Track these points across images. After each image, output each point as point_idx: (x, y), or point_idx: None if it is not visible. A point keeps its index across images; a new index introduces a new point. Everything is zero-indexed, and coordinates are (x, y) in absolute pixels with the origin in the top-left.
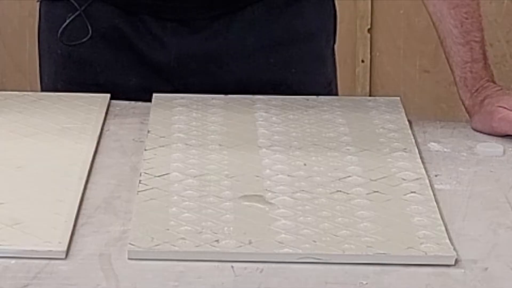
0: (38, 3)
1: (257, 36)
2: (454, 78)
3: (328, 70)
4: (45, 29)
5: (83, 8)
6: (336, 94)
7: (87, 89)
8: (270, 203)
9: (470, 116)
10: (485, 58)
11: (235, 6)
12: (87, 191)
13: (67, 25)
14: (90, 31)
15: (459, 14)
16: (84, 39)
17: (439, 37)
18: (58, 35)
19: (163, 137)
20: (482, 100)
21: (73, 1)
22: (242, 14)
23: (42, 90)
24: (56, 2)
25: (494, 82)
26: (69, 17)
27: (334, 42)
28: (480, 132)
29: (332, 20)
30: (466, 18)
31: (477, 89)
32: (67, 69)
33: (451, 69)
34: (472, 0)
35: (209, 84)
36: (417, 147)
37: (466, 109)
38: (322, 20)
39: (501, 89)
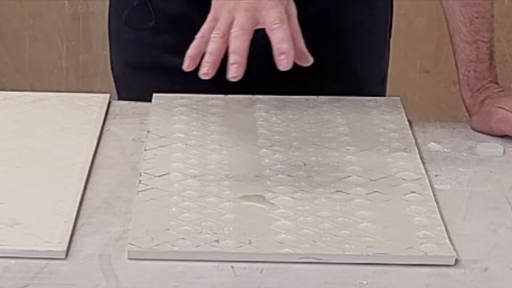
0: None
1: (320, 25)
2: (458, 76)
3: (385, 64)
4: (115, 15)
5: None
6: (385, 90)
7: (152, 72)
8: (270, 203)
9: (469, 115)
10: (491, 58)
11: None
12: (87, 191)
13: (133, 11)
14: (154, 18)
15: (469, 13)
16: (147, 26)
17: (449, 33)
18: (123, 19)
19: (163, 137)
20: (483, 100)
21: None
22: (312, 4)
23: (114, 75)
24: None
25: (497, 83)
26: (135, 4)
27: (390, 35)
28: (479, 132)
29: (385, 13)
30: (476, 18)
31: (478, 89)
32: (133, 53)
33: (456, 66)
34: (485, 0)
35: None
36: (417, 147)
37: (466, 108)
38: (371, 13)
39: (503, 90)
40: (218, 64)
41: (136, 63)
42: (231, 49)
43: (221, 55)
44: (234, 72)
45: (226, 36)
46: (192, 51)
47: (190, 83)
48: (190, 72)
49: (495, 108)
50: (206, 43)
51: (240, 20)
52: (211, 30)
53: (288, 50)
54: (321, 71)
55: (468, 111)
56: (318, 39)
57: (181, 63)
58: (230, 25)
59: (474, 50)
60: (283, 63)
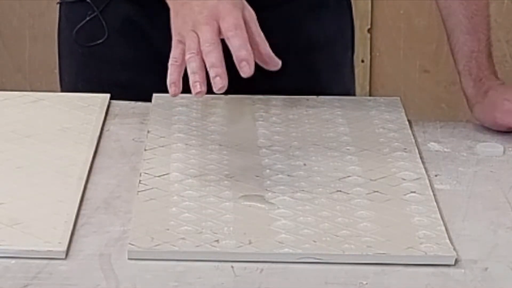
0: (58, 5)
1: (274, 43)
2: (458, 70)
3: (345, 79)
4: (66, 29)
5: (100, 9)
6: None
7: (107, 88)
8: (270, 203)
9: (470, 105)
10: (490, 54)
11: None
12: (87, 191)
13: (85, 25)
14: (106, 32)
15: (469, 8)
16: (100, 41)
17: (447, 32)
18: (73, 35)
19: (163, 137)
20: (486, 91)
21: (90, 2)
22: (259, 21)
23: (62, 90)
24: (77, 2)
25: (497, 78)
26: (87, 17)
27: (353, 53)
28: (481, 123)
29: (349, 30)
30: (476, 14)
31: (480, 79)
32: (88, 68)
33: (455, 62)
34: (480, 0)
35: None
36: (417, 147)
37: (467, 98)
38: (339, 28)
39: (504, 83)
40: (205, 80)
41: (92, 78)
42: (209, 65)
43: (204, 71)
44: (220, 84)
45: (200, 53)
46: (172, 77)
47: (148, 99)
48: (146, 87)
49: (502, 100)
50: (181, 66)
51: (206, 36)
52: (181, 53)
53: (247, 56)
54: (286, 85)
55: (469, 101)
56: (286, 52)
57: (138, 79)
58: (198, 42)
59: (475, 41)
60: (245, 70)
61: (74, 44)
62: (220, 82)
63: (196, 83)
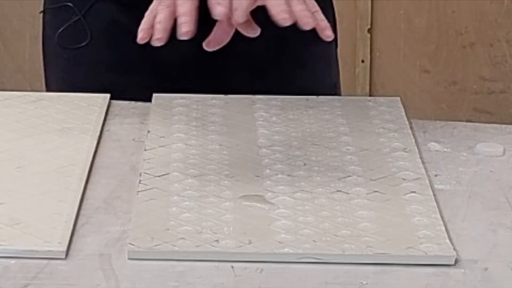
0: (41, 14)
1: (263, 36)
2: None
3: (332, 71)
4: (51, 36)
5: (83, 12)
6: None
7: (94, 92)
8: (270, 203)
9: None
10: None
11: None
12: (87, 191)
13: (68, 29)
14: (90, 35)
15: None
16: (83, 43)
17: None
18: (56, 38)
19: (163, 137)
20: None
21: (72, 6)
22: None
23: None
24: (59, 8)
25: None
26: (71, 21)
27: (337, 46)
28: None
29: (332, 22)
30: None
31: None
32: (73, 72)
33: None
34: None
35: (215, 81)
36: (417, 147)
37: None
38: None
39: None
40: (168, 30)
41: (78, 83)
42: (179, 14)
43: (170, 24)
44: (184, 28)
45: (172, 7)
46: (144, 26)
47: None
48: (133, 90)
49: None
50: (155, 17)
51: None
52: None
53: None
54: (270, 79)
55: None
56: (268, 46)
57: (124, 81)
58: None
59: None
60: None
61: (59, 48)
62: (185, 27)
63: (158, 30)
